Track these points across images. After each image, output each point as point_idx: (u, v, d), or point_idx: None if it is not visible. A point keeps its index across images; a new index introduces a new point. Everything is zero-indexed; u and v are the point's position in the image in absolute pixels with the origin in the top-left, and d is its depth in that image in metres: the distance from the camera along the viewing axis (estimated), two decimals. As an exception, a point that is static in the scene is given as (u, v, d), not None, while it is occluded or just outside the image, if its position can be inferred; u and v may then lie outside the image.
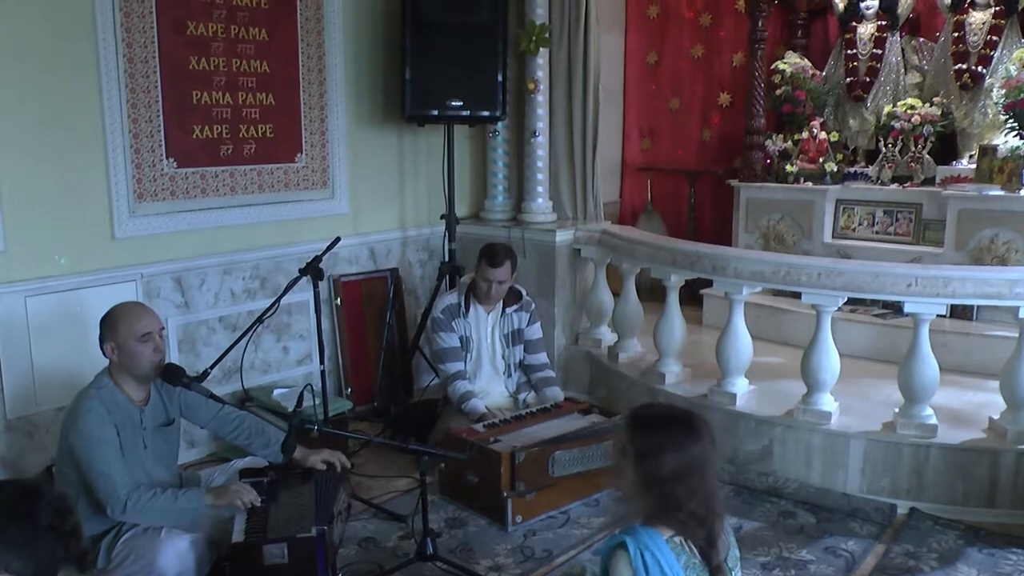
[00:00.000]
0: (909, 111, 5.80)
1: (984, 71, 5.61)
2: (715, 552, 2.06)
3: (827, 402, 4.09)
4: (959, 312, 5.06)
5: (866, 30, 6.23)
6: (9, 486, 1.75)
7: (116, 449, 2.93)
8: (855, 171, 6.03)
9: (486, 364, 4.45)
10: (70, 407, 3.00)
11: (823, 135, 6.08)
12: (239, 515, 2.97)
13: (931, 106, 5.80)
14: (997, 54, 5.60)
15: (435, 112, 4.96)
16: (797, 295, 4.20)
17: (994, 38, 5.61)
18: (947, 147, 5.90)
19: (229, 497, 3.00)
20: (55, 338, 3.89)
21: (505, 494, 3.67)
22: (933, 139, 5.77)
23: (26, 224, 3.78)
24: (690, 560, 2.05)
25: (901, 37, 6.24)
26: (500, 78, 5.00)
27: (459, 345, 4.36)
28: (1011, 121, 5.23)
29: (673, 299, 4.62)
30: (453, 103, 4.94)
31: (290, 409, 3.22)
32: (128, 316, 3.01)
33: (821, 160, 5.99)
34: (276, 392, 4.46)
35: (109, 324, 3.00)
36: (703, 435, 2.08)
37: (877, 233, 5.75)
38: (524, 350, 4.49)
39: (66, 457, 2.96)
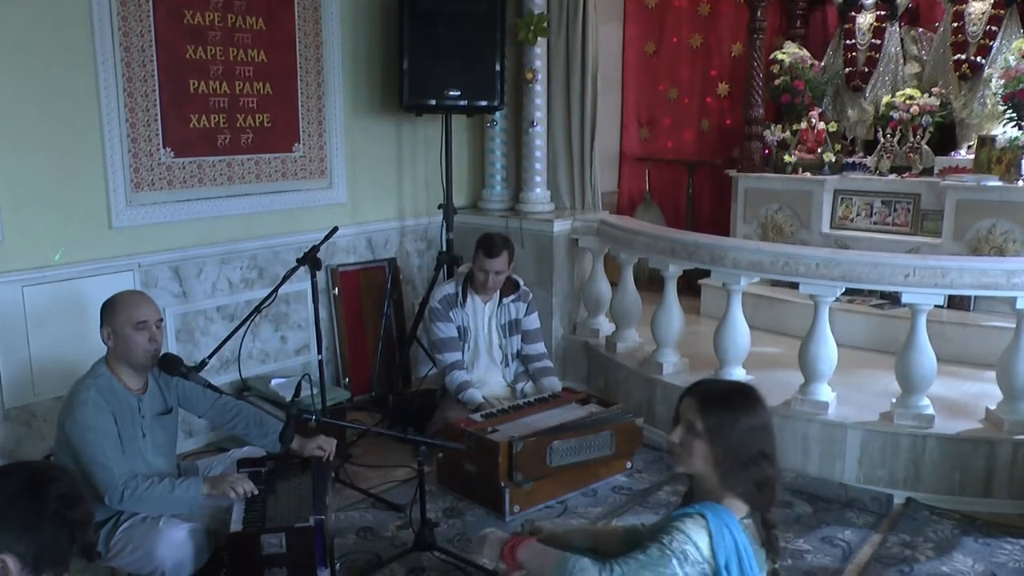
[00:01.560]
0: (908, 101, 5.80)
1: (983, 61, 5.61)
2: (771, 516, 2.13)
3: (824, 392, 4.09)
4: (957, 302, 5.06)
5: (865, 20, 6.23)
6: (19, 470, 1.75)
7: (113, 439, 2.93)
8: (853, 161, 6.03)
9: (483, 354, 4.45)
10: (67, 397, 3.00)
11: (821, 125, 6.08)
12: (237, 505, 2.97)
13: (930, 96, 5.80)
14: (996, 44, 5.59)
15: (433, 102, 4.95)
16: (795, 285, 4.21)
17: (993, 28, 5.61)
18: (946, 137, 5.90)
19: (226, 487, 3.00)
20: (53, 328, 3.88)
21: (503, 484, 3.67)
22: (932, 129, 5.77)
23: (23, 214, 3.77)
24: (753, 543, 2.09)
25: (900, 27, 6.24)
26: (498, 68, 4.98)
27: (456, 335, 4.36)
28: (1010, 111, 5.23)
29: (671, 289, 4.62)
30: (451, 93, 4.93)
31: (288, 399, 3.23)
32: (126, 303, 3.02)
33: (819, 150, 5.99)
34: (274, 382, 4.47)
35: (108, 310, 3.02)
36: (763, 402, 2.16)
37: (875, 223, 5.75)
38: (522, 340, 4.49)
39: (64, 447, 2.97)
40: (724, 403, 2.15)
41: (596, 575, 2.04)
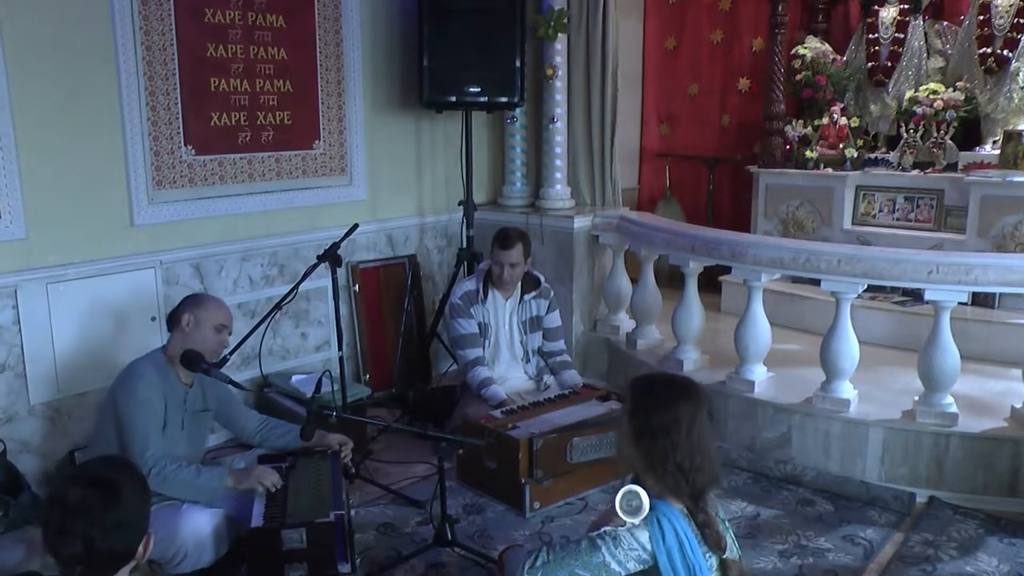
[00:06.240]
0: (931, 96, 5.72)
1: (1010, 55, 5.52)
2: (700, 509, 2.15)
3: (846, 390, 4.07)
4: (981, 300, 5.00)
5: (888, 14, 6.15)
6: (96, 488, 1.82)
7: (159, 418, 3.05)
8: (876, 157, 5.97)
9: (504, 350, 4.45)
10: (123, 372, 3.13)
11: (843, 120, 6.03)
12: (258, 500, 3.01)
13: (954, 91, 5.72)
14: (1024, 37, 5.51)
15: (453, 98, 4.95)
16: (816, 282, 4.17)
17: (1021, 21, 5.50)
18: (970, 132, 5.82)
19: (251, 481, 3.06)
20: (76, 324, 3.92)
21: (523, 480, 3.68)
22: (956, 124, 5.69)
23: (46, 212, 3.80)
24: (695, 532, 2.14)
25: (924, 21, 6.15)
26: (518, 64, 4.98)
27: (477, 331, 4.36)
28: (1037, 106, 5.16)
29: (691, 286, 4.60)
30: (471, 89, 4.93)
31: (309, 395, 3.25)
32: (217, 304, 3.27)
33: (841, 146, 5.94)
34: (294, 378, 4.49)
35: (196, 300, 3.24)
36: (693, 397, 2.19)
37: (898, 220, 5.70)
38: (543, 337, 4.49)
39: (109, 421, 3.07)
40: (646, 387, 2.25)
41: (525, 559, 2.17)
